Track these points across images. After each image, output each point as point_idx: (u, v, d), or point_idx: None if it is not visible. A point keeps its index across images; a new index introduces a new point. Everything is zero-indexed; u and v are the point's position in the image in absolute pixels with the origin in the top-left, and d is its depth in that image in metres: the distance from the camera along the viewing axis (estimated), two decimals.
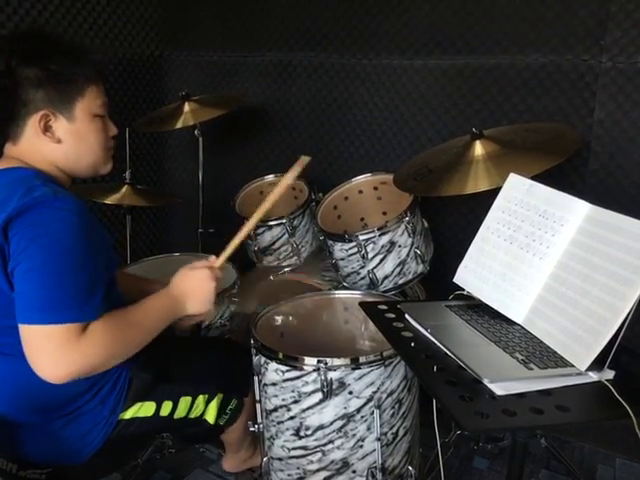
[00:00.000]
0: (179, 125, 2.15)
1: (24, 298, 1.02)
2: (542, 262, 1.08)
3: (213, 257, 1.31)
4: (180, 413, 1.36)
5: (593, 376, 0.95)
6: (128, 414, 1.28)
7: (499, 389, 0.90)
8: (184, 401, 1.36)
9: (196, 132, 2.26)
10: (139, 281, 1.57)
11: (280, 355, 1.34)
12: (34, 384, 1.04)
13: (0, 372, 1.15)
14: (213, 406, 1.42)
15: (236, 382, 1.49)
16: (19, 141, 1.14)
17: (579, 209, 1.06)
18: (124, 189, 2.06)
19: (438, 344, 1.04)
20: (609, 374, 0.95)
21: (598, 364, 0.94)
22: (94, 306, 1.05)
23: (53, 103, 1.11)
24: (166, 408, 1.34)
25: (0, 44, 1.11)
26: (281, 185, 1.33)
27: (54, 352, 1.00)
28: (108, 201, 2.01)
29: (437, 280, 1.77)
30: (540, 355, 0.99)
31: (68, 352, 1.00)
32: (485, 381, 0.90)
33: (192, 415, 1.39)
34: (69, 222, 1.04)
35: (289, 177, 1.32)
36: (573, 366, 0.96)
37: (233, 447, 1.68)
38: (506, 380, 0.91)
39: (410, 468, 1.46)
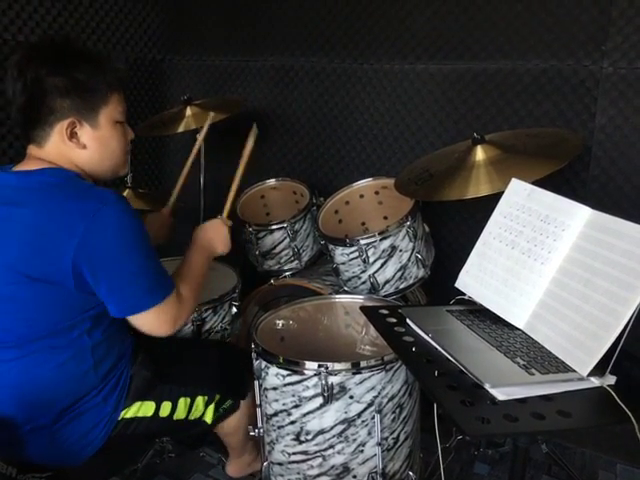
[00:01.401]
0: (181, 129, 2.16)
1: (131, 294, 1.16)
2: (544, 267, 1.08)
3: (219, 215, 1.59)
4: (179, 414, 1.37)
5: (595, 381, 0.95)
6: (129, 413, 1.29)
7: (500, 394, 0.90)
8: (183, 402, 1.37)
9: (198, 136, 2.26)
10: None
11: (281, 359, 1.34)
12: (47, 382, 1.09)
13: (9, 373, 1.16)
14: (211, 408, 1.43)
15: (235, 385, 1.49)
16: (45, 145, 1.18)
17: (580, 214, 1.06)
18: (125, 193, 2.07)
19: (439, 349, 1.04)
20: (611, 379, 0.95)
21: (600, 369, 0.94)
22: (169, 275, 1.27)
23: (79, 111, 1.17)
24: (165, 409, 1.35)
25: (28, 52, 1.16)
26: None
27: (172, 318, 1.23)
28: None
29: (438, 284, 1.77)
30: (541, 360, 0.99)
31: (180, 313, 1.25)
32: (486, 386, 0.90)
33: (191, 417, 1.40)
34: (134, 214, 1.16)
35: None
36: (574, 371, 0.95)
37: (236, 452, 1.68)
38: (507, 385, 0.91)
39: (411, 473, 1.46)
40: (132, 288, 1.16)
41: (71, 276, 1.10)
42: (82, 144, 1.19)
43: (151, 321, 1.22)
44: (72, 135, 1.17)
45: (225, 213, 1.62)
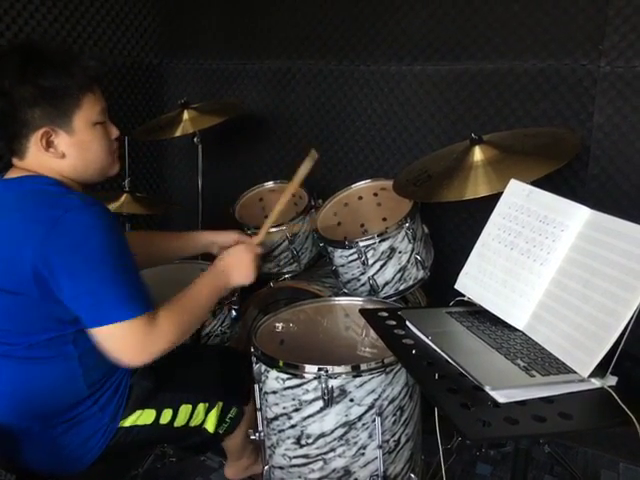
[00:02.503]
0: (178, 133, 2.15)
1: (93, 303, 1.07)
2: (543, 268, 1.08)
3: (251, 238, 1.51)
4: (180, 421, 1.36)
5: (595, 382, 0.94)
6: (128, 422, 1.28)
7: (501, 397, 0.89)
8: (184, 409, 1.36)
9: (195, 140, 2.26)
10: (153, 237, 1.63)
11: (280, 363, 1.34)
12: (35, 390, 1.06)
13: (1, 378, 1.15)
14: (213, 415, 1.41)
15: (236, 390, 1.48)
16: (25, 157, 1.15)
17: (579, 214, 1.05)
18: (123, 197, 2.06)
19: (439, 351, 1.04)
20: (612, 380, 0.94)
21: (600, 370, 0.93)
22: (149, 296, 1.14)
23: (51, 119, 1.11)
24: (166, 416, 1.33)
25: None
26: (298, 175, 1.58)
27: (138, 343, 1.10)
28: None
29: (437, 285, 1.76)
30: (542, 362, 0.99)
31: (150, 339, 1.11)
32: (487, 389, 0.90)
33: (192, 424, 1.38)
34: (104, 225, 1.08)
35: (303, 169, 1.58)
36: (575, 372, 0.95)
37: (235, 455, 1.67)
38: (508, 388, 0.91)
39: (412, 476, 1.45)
40: (94, 298, 1.07)
41: (33, 284, 1.05)
42: (60, 152, 1.14)
43: (113, 340, 1.10)
44: (49, 144, 1.12)
45: (258, 239, 1.50)
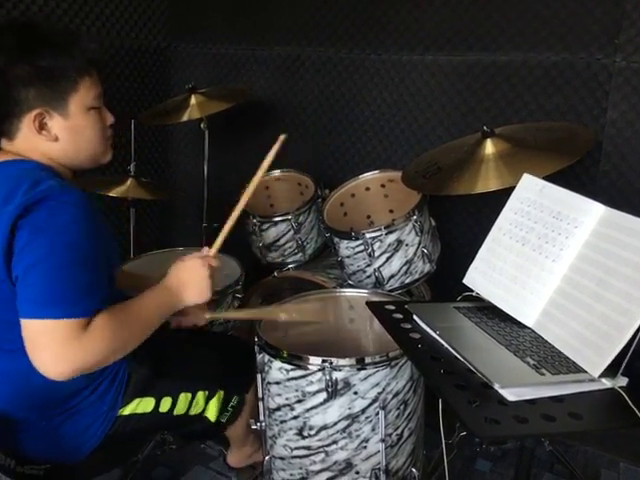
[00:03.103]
0: (185, 118, 2.13)
1: (26, 292, 1.00)
2: (555, 265, 1.06)
3: (206, 248, 1.31)
4: (180, 410, 1.35)
5: (606, 383, 0.93)
6: (127, 410, 1.26)
7: (510, 395, 0.88)
8: (184, 397, 1.35)
9: (202, 125, 2.24)
10: (136, 279, 1.56)
11: (285, 354, 1.33)
12: (34, 380, 1.03)
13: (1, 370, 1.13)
14: (214, 403, 1.40)
15: (237, 378, 1.47)
16: (15, 138, 1.11)
17: (594, 211, 1.03)
18: (128, 182, 2.04)
19: (447, 347, 1.02)
20: (622, 381, 0.93)
21: (611, 370, 0.92)
22: (96, 302, 1.04)
23: (46, 101, 1.08)
24: (165, 404, 1.32)
25: None
26: (262, 167, 1.38)
27: (56, 348, 0.98)
28: (112, 194, 1.99)
29: (443, 279, 1.75)
30: (552, 360, 0.97)
31: (71, 348, 0.98)
32: (496, 386, 0.88)
33: (192, 412, 1.37)
34: (75, 216, 1.02)
35: (269, 158, 1.40)
36: (585, 372, 0.93)
37: (238, 442, 1.67)
38: (517, 386, 0.89)
39: (414, 470, 1.44)
40: (35, 287, 0.99)
41: (4, 268, 1.01)
42: (53, 135, 1.10)
43: (39, 336, 0.98)
44: (42, 127, 1.09)
45: (215, 248, 1.30)
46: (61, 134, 1.11)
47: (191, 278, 1.23)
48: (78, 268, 1.02)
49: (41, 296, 0.99)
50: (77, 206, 1.03)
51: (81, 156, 1.16)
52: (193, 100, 2.17)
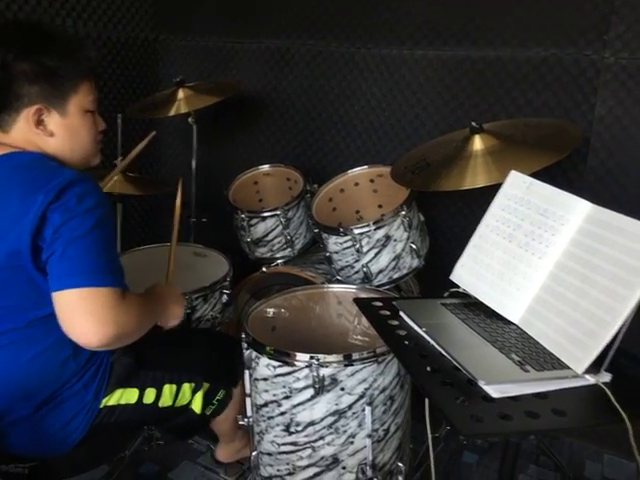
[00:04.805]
0: (173, 112, 2.11)
1: (66, 266, 1.05)
2: (541, 261, 1.06)
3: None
4: (165, 401, 1.35)
5: (590, 379, 0.93)
6: (111, 401, 1.27)
7: (495, 391, 0.88)
8: (168, 389, 1.35)
9: (190, 120, 2.21)
10: None
11: (272, 351, 1.32)
12: (29, 372, 1.07)
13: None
14: (199, 395, 1.40)
15: (224, 372, 1.47)
16: (10, 130, 1.14)
17: (580, 208, 1.04)
18: (116, 177, 2.02)
19: (433, 343, 1.02)
20: (606, 377, 0.93)
21: (595, 367, 0.92)
22: (124, 278, 1.13)
23: (47, 98, 1.12)
24: (149, 395, 1.32)
25: None
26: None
27: (101, 312, 1.04)
28: None
29: (431, 274, 1.75)
30: (536, 357, 0.97)
31: (114, 312, 1.05)
32: (481, 383, 0.88)
33: (178, 404, 1.38)
34: (97, 202, 1.09)
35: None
36: (570, 368, 0.94)
37: (226, 437, 1.67)
38: (502, 382, 0.90)
39: (400, 464, 1.45)
40: (77, 261, 1.05)
41: (29, 252, 1.04)
42: (49, 131, 1.14)
43: (75, 305, 1.04)
44: (39, 122, 1.13)
45: (169, 280, 1.47)
46: (57, 131, 1.15)
47: (171, 299, 1.37)
48: (110, 245, 1.12)
49: (82, 267, 1.05)
50: (97, 193, 1.10)
51: (74, 154, 1.20)
52: (181, 94, 2.15)
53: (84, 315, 1.04)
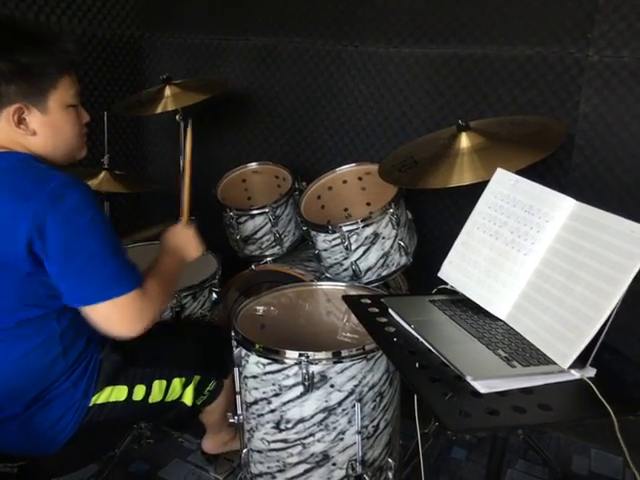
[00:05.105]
0: (160, 110, 2.09)
1: (90, 282, 1.08)
2: (527, 258, 1.07)
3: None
4: (155, 397, 1.35)
5: (575, 374, 0.94)
6: (100, 399, 1.27)
7: (482, 387, 0.89)
8: (158, 385, 1.35)
9: (177, 117, 2.20)
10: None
11: (261, 348, 1.33)
12: (19, 371, 1.07)
13: None
14: (190, 389, 1.41)
15: (214, 363, 1.47)
16: None
17: (565, 206, 1.05)
18: (102, 175, 2.01)
19: (421, 340, 1.03)
20: (591, 372, 0.95)
21: (580, 362, 0.94)
22: (139, 271, 1.17)
23: (26, 96, 1.10)
24: (139, 392, 1.32)
25: None
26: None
27: (132, 317, 1.13)
28: None
29: (419, 271, 1.76)
30: (523, 352, 0.99)
31: (142, 314, 1.14)
32: (468, 379, 0.89)
33: (169, 399, 1.38)
34: (93, 199, 1.10)
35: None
36: (555, 364, 0.95)
37: (214, 428, 1.68)
38: (489, 378, 0.91)
39: (390, 460, 1.46)
40: (88, 276, 1.08)
41: (26, 258, 1.04)
42: (32, 130, 1.13)
43: (108, 315, 1.12)
44: (20, 121, 1.11)
45: (185, 218, 1.47)
46: (39, 129, 1.13)
47: (181, 240, 1.39)
48: (120, 249, 1.14)
49: (104, 281, 1.09)
50: (89, 192, 1.10)
51: (58, 151, 1.18)
52: (168, 91, 2.13)
53: (120, 321, 1.13)
